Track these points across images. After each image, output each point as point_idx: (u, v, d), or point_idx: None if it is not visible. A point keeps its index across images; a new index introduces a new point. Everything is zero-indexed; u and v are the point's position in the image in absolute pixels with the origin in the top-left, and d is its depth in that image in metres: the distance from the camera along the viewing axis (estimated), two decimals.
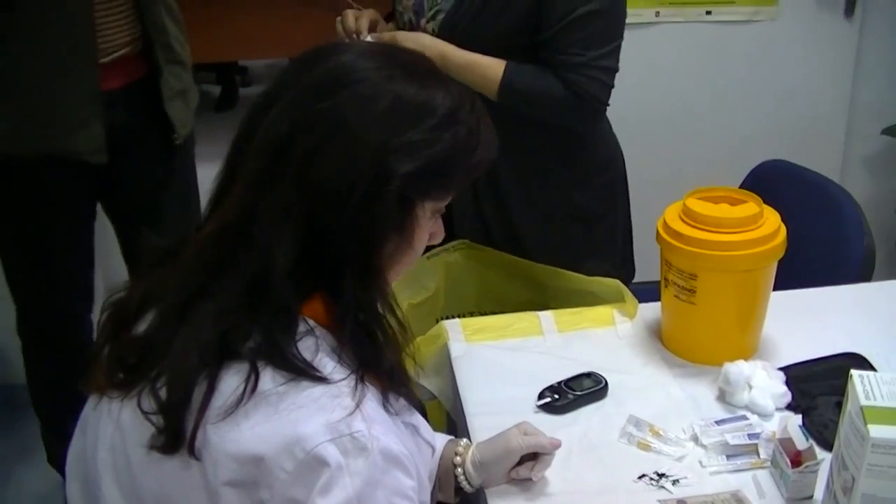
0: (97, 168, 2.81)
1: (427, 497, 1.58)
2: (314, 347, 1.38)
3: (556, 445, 1.86)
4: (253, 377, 1.33)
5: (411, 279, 2.66)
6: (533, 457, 1.87)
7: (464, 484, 1.87)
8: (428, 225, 1.48)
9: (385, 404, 1.44)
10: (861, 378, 1.66)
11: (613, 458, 1.99)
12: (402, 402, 1.55)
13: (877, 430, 1.55)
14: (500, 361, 2.32)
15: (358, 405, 1.34)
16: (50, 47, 2.66)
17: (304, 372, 1.35)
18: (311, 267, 1.38)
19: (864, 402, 1.61)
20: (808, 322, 2.49)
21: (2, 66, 2.68)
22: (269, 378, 1.34)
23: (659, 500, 1.85)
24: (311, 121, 1.38)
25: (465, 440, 1.93)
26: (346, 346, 1.40)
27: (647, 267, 2.63)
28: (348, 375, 1.37)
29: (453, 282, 2.69)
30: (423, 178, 1.41)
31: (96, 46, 2.72)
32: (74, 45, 2.68)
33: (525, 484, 1.89)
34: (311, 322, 1.41)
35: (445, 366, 2.37)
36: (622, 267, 2.84)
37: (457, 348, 2.36)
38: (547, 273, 2.65)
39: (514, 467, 1.86)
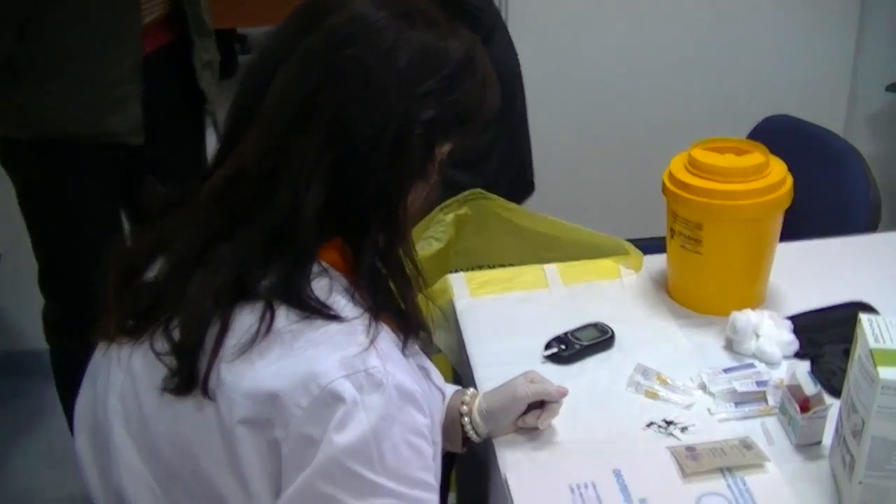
0: (132, 149, 2.78)
1: (439, 438, 1.58)
2: (328, 287, 1.38)
3: (563, 393, 1.85)
4: (268, 315, 1.33)
5: (422, 232, 2.65)
6: (540, 405, 1.86)
7: (471, 433, 1.86)
8: (441, 165, 1.48)
9: (399, 343, 1.44)
10: (870, 321, 1.66)
11: (621, 407, 1.99)
12: (415, 345, 1.55)
13: (886, 372, 1.54)
14: (505, 314, 2.31)
15: (372, 342, 1.34)
16: (95, 13, 2.62)
17: (319, 311, 1.35)
18: (335, 213, 1.38)
19: (873, 344, 1.60)
20: (814, 272, 2.49)
21: (48, 40, 2.63)
22: (283, 316, 1.34)
23: (668, 447, 1.84)
24: (336, 69, 1.38)
25: (471, 389, 1.92)
26: (362, 289, 1.40)
27: (651, 223, 2.61)
28: (362, 314, 1.37)
29: (463, 235, 2.68)
30: (444, 123, 1.43)
31: (140, 10, 2.70)
32: (119, 9, 2.66)
33: (532, 433, 1.88)
34: (325, 263, 1.40)
35: (451, 319, 2.36)
36: None
37: (462, 302, 2.36)
38: (554, 226, 2.64)
39: (521, 416, 1.86)
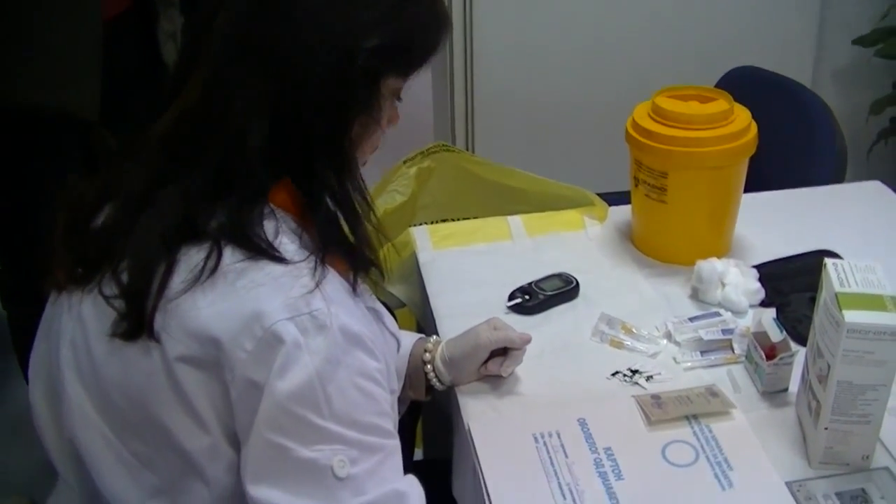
0: (91, 124, 2.71)
1: (395, 385, 1.55)
2: (274, 229, 1.34)
3: (526, 340, 1.83)
4: (215, 254, 1.30)
5: (385, 186, 2.62)
6: (503, 353, 1.84)
7: (434, 382, 1.85)
8: (389, 105, 1.44)
9: (348, 287, 1.40)
10: (835, 266, 1.65)
11: (585, 357, 1.97)
12: (366, 288, 1.52)
13: (852, 316, 1.53)
14: (468, 266, 2.29)
15: (318, 284, 1.30)
16: None
17: (265, 251, 1.31)
18: (280, 150, 1.34)
19: (838, 288, 1.59)
20: (781, 222, 2.47)
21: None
22: (228, 255, 1.30)
23: (633, 396, 1.82)
24: (273, 3, 1.34)
25: (434, 337, 1.90)
26: (310, 229, 1.36)
27: (615, 177, 2.59)
28: (308, 256, 1.34)
29: (427, 188, 2.65)
30: (387, 53, 1.38)
31: None
32: None
33: (496, 382, 1.86)
34: (273, 206, 1.37)
35: (414, 273, 2.34)
36: None
37: (425, 255, 2.33)
38: (520, 178, 2.61)
39: (484, 363, 1.83)
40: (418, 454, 2.57)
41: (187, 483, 1.37)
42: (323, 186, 1.37)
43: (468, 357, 1.83)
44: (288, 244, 1.34)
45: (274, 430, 1.25)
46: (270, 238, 1.33)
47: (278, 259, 1.31)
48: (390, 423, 1.37)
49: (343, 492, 1.26)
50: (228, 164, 1.33)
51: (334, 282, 1.36)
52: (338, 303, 1.32)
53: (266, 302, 1.27)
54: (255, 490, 1.27)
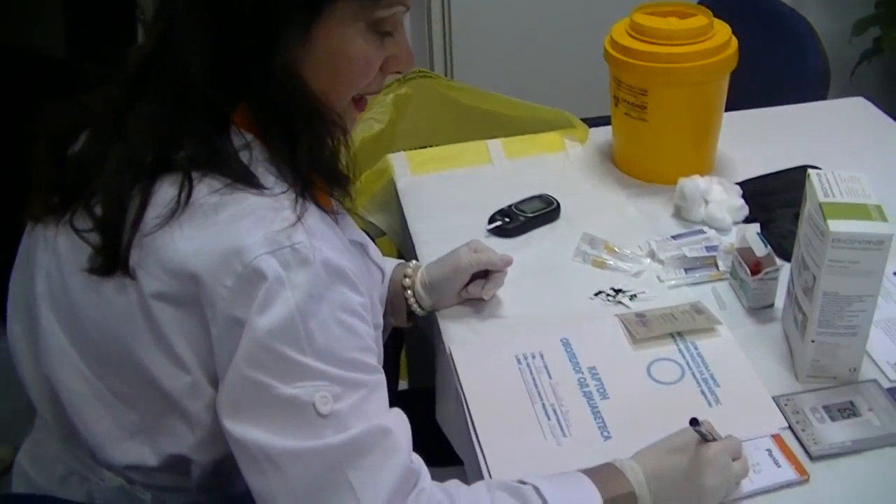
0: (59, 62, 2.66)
1: (380, 319, 1.52)
2: (249, 159, 1.30)
3: (508, 262, 1.80)
4: (187, 186, 1.25)
5: (362, 114, 2.57)
6: (484, 275, 1.81)
7: (415, 307, 1.82)
8: (361, 39, 1.35)
9: (331, 221, 1.37)
10: (819, 177, 1.62)
11: (568, 277, 1.94)
12: (350, 221, 1.49)
13: (837, 225, 1.51)
14: (447, 191, 2.25)
15: (299, 218, 1.26)
16: None
17: (243, 178, 1.27)
18: (230, 70, 1.29)
19: (822, 199, 1.56)
20: (764, 140, 2.45)
21: None
22: (205, 187, 1.26)
23: (616, 315, 1.80)
24: None
25: (414, 262, 1.87)
26: (278, 154, 1.32)
27: (596, 101, 2.56)
28: (288, 189, 1.29)
29: (405, 116, 2.62)
30: None
31: None
32: None
33: (477, 305, 1.84)
34: (249, 136, 1.32)
35: (393, 201, 2.30)
36: None
37: (403, 181, 2.30)
38: (499, 102, 2.58)
39: (464, 287, 1.81)
40: (404, 386, 2.54)
41: (168, 422, 1.34)
42: (276, 114, 1.31)
43: (448, 280, 1.80)
44: (265, 174, 1.30)
45: (254, 367, 1.22)
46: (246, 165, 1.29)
47: (258, 189, 1.26)
48: (374, 358, 1.33)
49: (326, 428, 1.22)
50: (181, 85, 1.28)
51: (316, 215, 1.32)
52: (320, 236, 1.28)
53: (246, 236, 1.22)
54: (234, 427, 1.24)
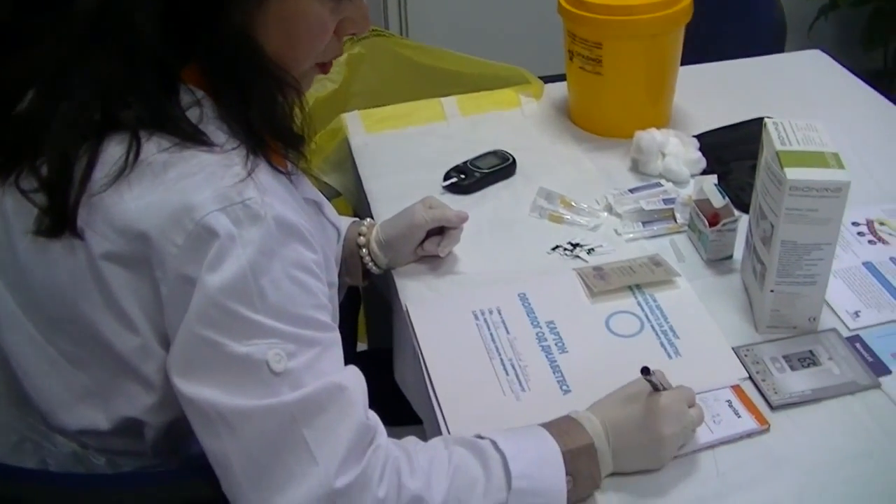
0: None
1: (335, 278, 1.50)
2: (198, 116, 1.26)
3: (463, 218, 1.78)
4: (135, 144, 1.22)
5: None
6: (440, 232, 1.79)
7: (370, 265, 1.80)
8: (316, 1, 1.31)
9: (284, 180, 1.33)
10: (775, 125, 1.61)
11: (525, 233, 1.93)
12: (305, 180, 1.46)
13: (794, 173, 1.50)
14: (402, 149, 2.23)
15: (250, 174, 1.22)
16: None
17: (192, 137, 1.23)
18: (180, 28, 1.25)
19: (779, 147, 1.55)
20: (721, 93, 2.44)
21: None
22: (153, 145, 1.22)
23: (574, 269, 1.78)
24: None
25: (368, 220, 1.85)
26: (229, 113, 1.28)
27: (550, 60, 2.53)
28: (239, 145, 1.25)
29: (359, 75, 2.58)
30: None
31: None
32: None
33: (434, 262, 1.82)
34: (200, 93, 1.29)
35: (347, 160, 2.27)
36: None
37: (357, 139, 2.27)
38: (453, 60, 2.55)
39: (420, 244, 1.78)
40: (363, 347, 2.52)
41: (120, 384, 1.31)
42: (227, 74, 1.28)
43: (404, 238, 1.78)
44: (216, 131, 1.26)
45: (205, 325, 1.19)
46: (195, 123, 1.25)
47: (207, 146, 1.23)
48: (328, 316, 1.30)
49: (281, 386, 1.20)
50: (133, 49, 1.24)
51: (268, 172, 1.28)
52: (272, 192, 1.25)
53: (196, 193, 1.19)
54: (186, 387, 1.21)
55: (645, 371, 1.35)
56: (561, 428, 1.36)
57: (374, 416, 1.28)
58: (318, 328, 1.26)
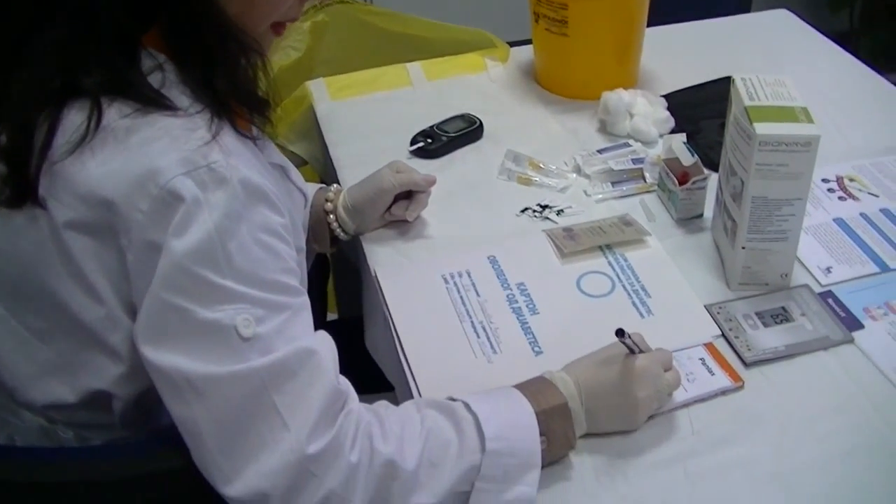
0: None
1: (303, 243, 1.48)
2: (161, 80, 1.23)
3: (431, 182, 1.76)
4: (96, 111, 1.19)
5: (278, 42, 2.50)
6: (407, 196, 1.77)
7: (338, 232, 1.78)
8: None
9: (250, 143, 1.31)
10: (744, 81, 1.60)
11: (493, 196, 1.91)
12: (270, 145, 1.44)
13: (763, 128, 1.49)
14: (368, 115, 2.20)
15: (215, 137, 1.20)
16: None
17: (155, 101, 1.21)
18: None
19: (748, 102, 1.54)
20: (688, 54, 2.43)
21: None
22: (115, 111, 1.19)
23: (544, 231, 1.77)
24: None
25: (335, 186, 1.83)
26: (192, 76, 1.25)
27: (515, 25, 2.52)
28: (203, 108, 1.23)
29: (323, 43, 2.55)
30: None
31: None
32: None
33: (402, 227, 1.80)
34: (161, 57, 1.26)
35: (313, 128, 2.25)
36: None
37: (322, 106, 2.24)
38: (418, 26, 2.53)
39: (388, 209, 1.76)
40: (333, 317, 2.50)
41: (87, 356, 1.29)
42: (189, 37, 1.25)
43: (371, 203, 1.76)
44: (179, 95, 1.24)
45: (172, 292, 1.16)
46: (157, 87, 1.23)
47: (171, 111, 1.20)
48: (296, 280, 1.28)
49: (250, 352, 1.18)
50: (92, 13, 1.20)
51: (233, 134, 1.26)
52: (237, 155, 1.22)
53: (160, 158, 1.16)
54: (154, 355, 1.19)
55: (620, 333, 1.34)
56: (534, 388, 1.34)
57: (345, 381, 1.26)
58: (287, 292, 1.24)
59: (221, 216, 1.17)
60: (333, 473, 1.18)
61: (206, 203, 1.16)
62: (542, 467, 1.29)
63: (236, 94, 1.28)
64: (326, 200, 1.77)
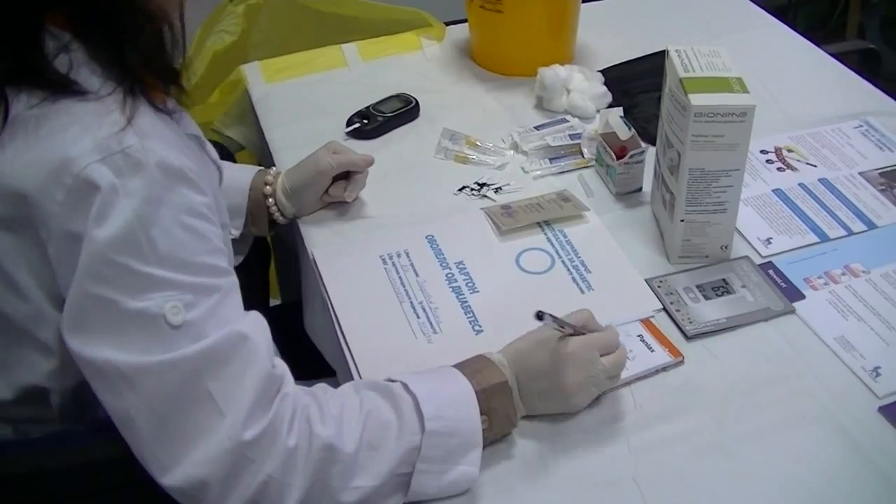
0: None
1: (226, 218, 1.45)
2: (69, 63, 1.20)
3: (369, 162, 1.75)
4: (3, 103, 1.16)
5: (212, 26, 2.47)
6: (345, 177, 1.75)
7: (276, 216, 1.76)
8: None
9: (165, 117, 1.27)
10: (678, 52, 1.60)
11: (431, 175, 1.89)
12: (186, 117, 1.40)
13: (697, 99, 1.48)
14: (303, 97, 2.17)
15: (129, 120, 1.17)
16: None
17: (63, 87, 1.17)
18: None
19: (682, 74, 1.54)
20: (625, 28, 2.43)
21: None
22: (23, 101, 1.16)
23: (482, 209, 1.75)
24: None
25: (274, 168, 1.80)
26: (99, 53, 1.21)
27: (450, 5, 2.50)
28: (116, 89, 1.19)
29: (257, 26, 2.51)
30: None
31: None
32: None
33: (340, 208, 1.78)
34: (66, 36, 1.22)
35: (249, 112, 2.22)
36: None
37: (257, 90, 2.21)
38: (352, 6, 2.50)
39: (326, 190, 1.74)
40: (277, 303, 2.47)
41: (19, 353, 1.27)
42: (92, 11, 1.20)
43: (309, 185, 1.74)
44: (89, 76, 1.20)
45: (97, 282, 1.14)
46: (64, 72, 1.19)
47: (81, 95, 1.17)
48: (224, 259, 1.25)
49: (181, 339, 1.15)
50: None
51: (149, 113, 1.22)
52: (154, 136, 1.19)
53: (73, 146, 1.13)
54: (82, 348, 1.16)
55: (539, 316, 1.30)
56: (474, 367, 1.33)
57: (280, 364, 1.24)
58: (216, 274, 1.21)
59: (141, 202, 1.14)
60: (271, 459, 1.16)
61: (123, 190, 1.13)
62: (485, 447, 1.28)
63: (147, 64, 1.24)
64: (266, 184, 1.75)
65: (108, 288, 1.13)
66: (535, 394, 1.34)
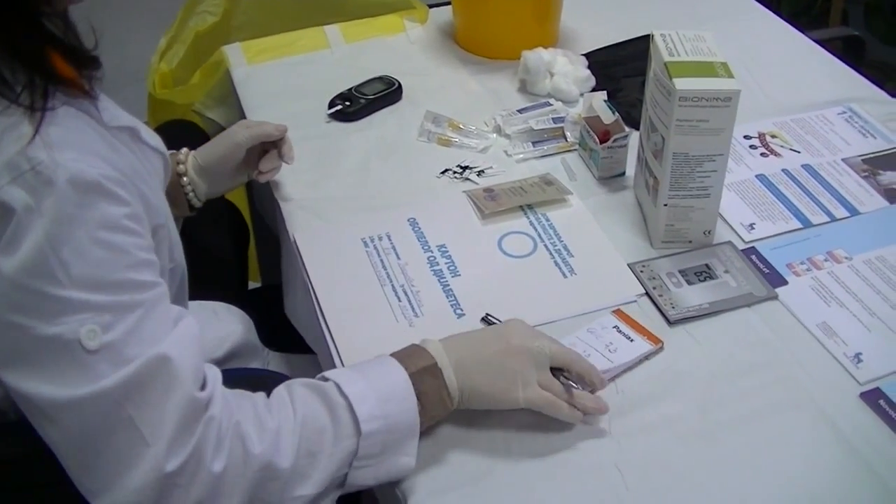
0: None
1: (162, 219, 1.36)
2: None
3: (282, 130, 1.74)
4: None
5: (194, 7, 2.44)
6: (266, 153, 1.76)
7: (191, 197, 1.72)
8: None
9: (86, 115, 1.20)
10: (663, 37, 1.59)
11: (413, 157, 1.88)
12: (112, 106, 1.31)
13: (682, 83, 1.47)
14: (285, 79, 2.16)
15: (37, 131, 1.10)
16: None
17: None
18: None
19: (667, 58, 1.53)
20: (609, 12, 2.41)
21: None
22: None
23: (464, 192, 1.74)
24: None
25: (184, 149, 1.75)
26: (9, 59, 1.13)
27: None
28: (21, 91, 1.11)
29: (240, 7, 2.49)
30: None
31: None
32: None
33: (321, 191, 1.77)
34: None
35: (230, 94, 2.20)
36: None
37: (239, 71, 2.19)
38: None
39: (248, 166, 1.75)
40: (256, 285, 2.46)
41: None
42: None
43: (222, 160, 1.72)
44: None
45: (10, 310, 1.09)
46: None
47: None
48: (149, 271, 1.19)
49: (99, 364, 1.10)
50: None
51: (65, 116, 1.15)
52: (66, 144, 1.12)
53: None
54: (5, 377, 1.12)
55: (485, 320, 1.29)
56: (405, 353, 1.31)
57: (211, 380, 1.19)
58: (137, 289, 1.15)
59: (51, 223, 1.08)
60: (196, 486, 1.13)
61: (38, 211, 1.08)
62: (421, 432, 1.26)
63: (55, 46, 1.17)
64: (178, 163, 1.71)
65: (22, 314, 1.09)
66: (475, 368, 1.31)
